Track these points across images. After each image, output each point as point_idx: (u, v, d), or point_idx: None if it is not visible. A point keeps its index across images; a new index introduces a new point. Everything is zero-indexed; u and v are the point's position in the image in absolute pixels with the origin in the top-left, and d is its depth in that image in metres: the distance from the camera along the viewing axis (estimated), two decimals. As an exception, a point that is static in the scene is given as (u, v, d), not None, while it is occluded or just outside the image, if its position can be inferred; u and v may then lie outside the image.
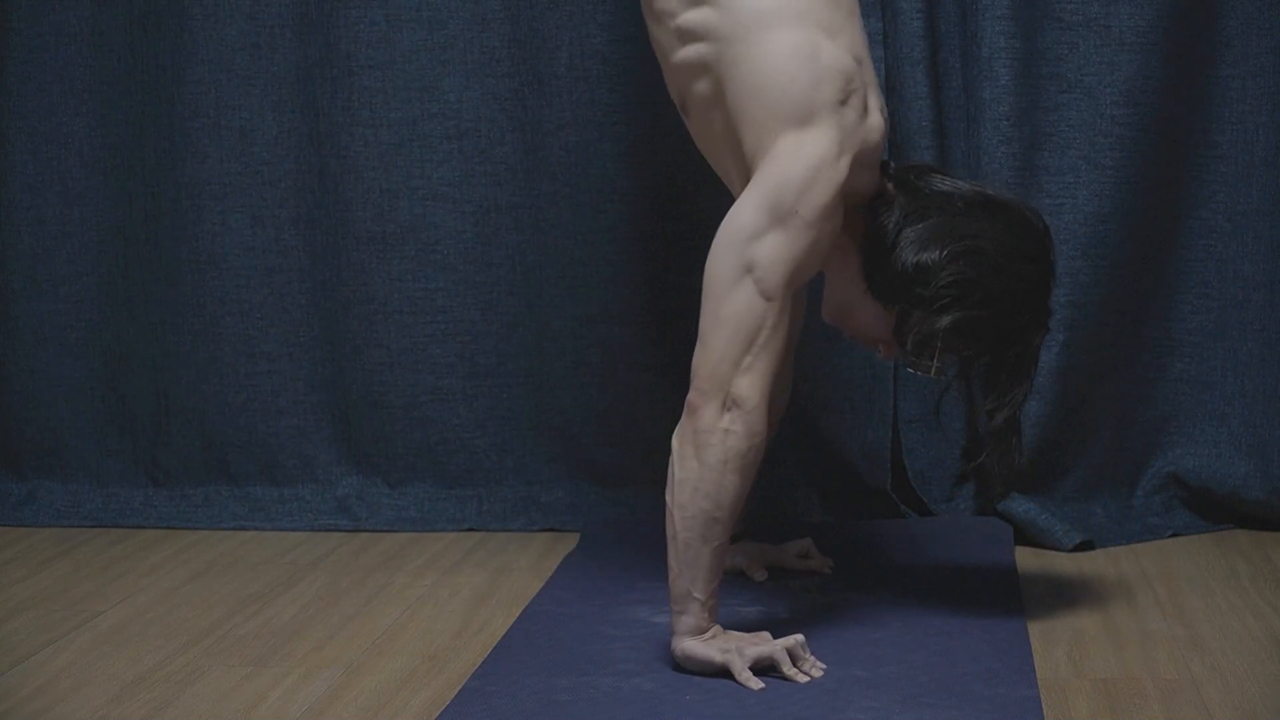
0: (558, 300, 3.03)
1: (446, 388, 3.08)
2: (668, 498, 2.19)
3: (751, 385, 2.18)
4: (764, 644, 2.18)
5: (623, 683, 2.16)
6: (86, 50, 3.10)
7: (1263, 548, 2.79)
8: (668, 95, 2.48)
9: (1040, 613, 2.45)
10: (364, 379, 3.09)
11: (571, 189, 3.00)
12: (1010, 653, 2.25)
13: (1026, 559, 2.74)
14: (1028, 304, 2.28)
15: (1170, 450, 2.97)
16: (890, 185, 2.33)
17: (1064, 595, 2.55)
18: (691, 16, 2.32)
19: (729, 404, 2.17)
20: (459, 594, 2.62)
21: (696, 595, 2.19)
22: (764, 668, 2.17)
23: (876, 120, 2.32)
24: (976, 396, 2.31)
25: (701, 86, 2.33)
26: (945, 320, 2.23)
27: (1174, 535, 2.88)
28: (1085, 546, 2.80)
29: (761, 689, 2.13)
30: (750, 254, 2.19)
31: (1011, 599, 2.50)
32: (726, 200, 2.32)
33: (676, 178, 2.95)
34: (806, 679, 2.16)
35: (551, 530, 3.00)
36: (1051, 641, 2.32)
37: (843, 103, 2.25)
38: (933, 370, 2.28)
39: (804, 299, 2.67)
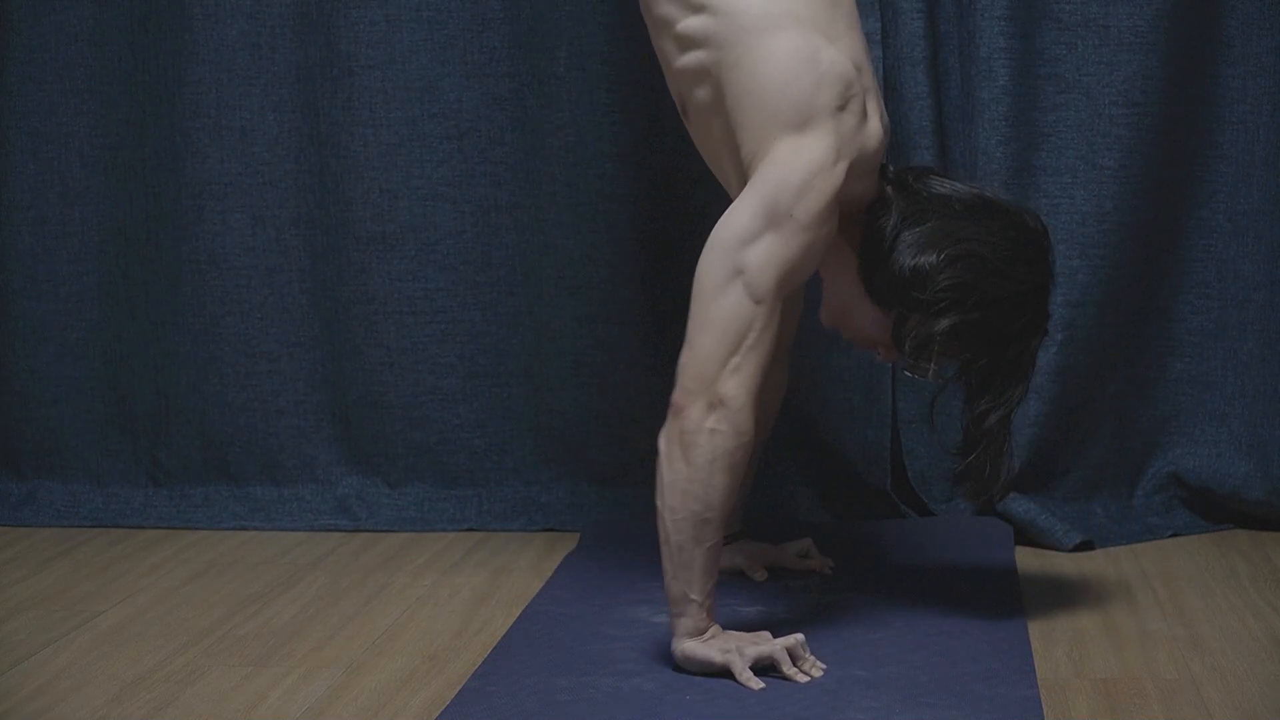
0: (558, 300, 3.03)
1: (446, 388, 3.08)
2: (658, 501, 2.19)
3: (738, 385, 2.17)
4: (764, 644, 2.18)
5: (623, 683, 2.17)
6: (86, 50, 3.10)
7: (1263, 548, 2.79)
8: (668, 95, 2.49)
9: (1040, 613, 2.45)
10: (364, 379, 3.09)
11: (571, 189, 3.00)
12: (1010, 653, 2.25)
13: (1026, 559, 2.74)
14: (1025, 307, 2.27)
15: (1170, 450, 2.97)
16: (889, 188, 2.32)
17: (1064, 595, 2.55)
18: (691, 23, 2.32)
19: (714, 404, 2.16)
20: (459, 594, 2.62)
21: (693, 597, 2.18)
22: (764, 667, 2.17)
23: (875, 127, 2.31)
24: (971, 398, 2.30)
25: (702, 93, 2.33)
26: (943, 324, 2.23)
27: (1174, 535, 2.88)
28: (1085, 546, 2.80)
29: (762, 689, 2.13)
30: (742, 257, 2.18)
31: (1011, 599, 2.50)
32: (724, 200, 2.32)
33: (676, 178, 2.95)
34: (807, 679, 2.16)
35: (551, 530, 3.00)
36: (1051, 641, 2.32)
37: (841, 108, 2.25)
38: (930, 373, 2.28)
39: (801, 301, 2.67)
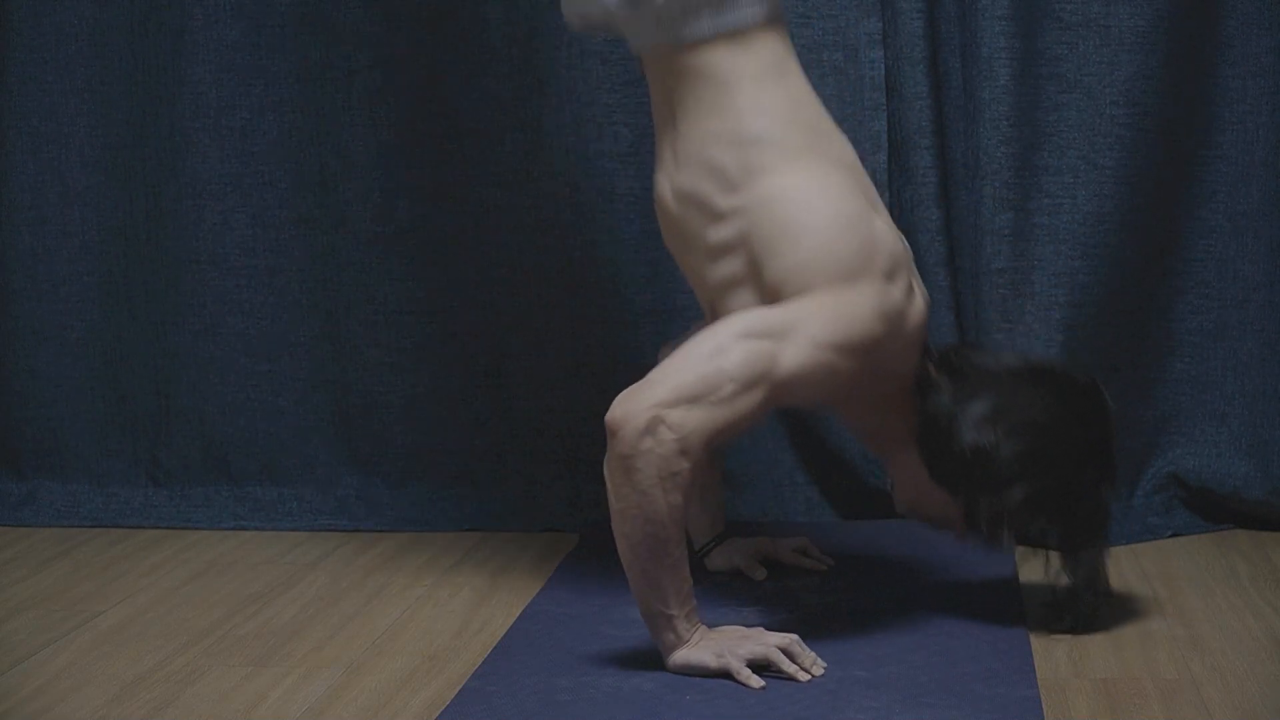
0: (558, 300, 3.03)
1: (446, 388, 3.08)
2: (614, 528, 2.17)
3: (684, 419, 2.11)
4: (756, 643, 2.17)
5: (623, 683, 2.17)
6: (87, 50, 3.11)
7: (1263, 548, 2.79)
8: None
9: (1040, 613, 2.45)
10: (364, 379, 3.10)
11: (571, 189, 3.00)
12: (1010, 653, 2.25)
13: (1027, 559, 2.74)
14: (1090, 463, 2.28)
15: (1170, 450, 2.97)
16: (932, 368, 2.32)
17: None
18: (721, 231, 2.29)
19: (652, 425, 2.11)
20: (459, 594, 2.62)
21: (670, 612, 2.17)
22: (764, 667, 2.17)
23: (921, 303, 2.31)
24: (1056, 558, 2.32)
25: (740, 299, 2.29)
26: (1014, 497, 2.24)
27: (1174, 535, 2.88)
28: (1085, 546, 2.80)
29: (762, 687, 2.13)
30: (739, 343, 2.15)
31: (1011, 599, 2.50)
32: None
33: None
34: (808, 676, 2.15)
35: (551, 530, 3.00)
36: (1051, 641, 2.32)
37: (890, 277, 2.24)
38: (1007, 544, 2.30)
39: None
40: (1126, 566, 2.70)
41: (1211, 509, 2.93)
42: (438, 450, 3.09)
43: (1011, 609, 2.44)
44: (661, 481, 2.12)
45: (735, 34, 2.27)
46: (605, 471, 2.16)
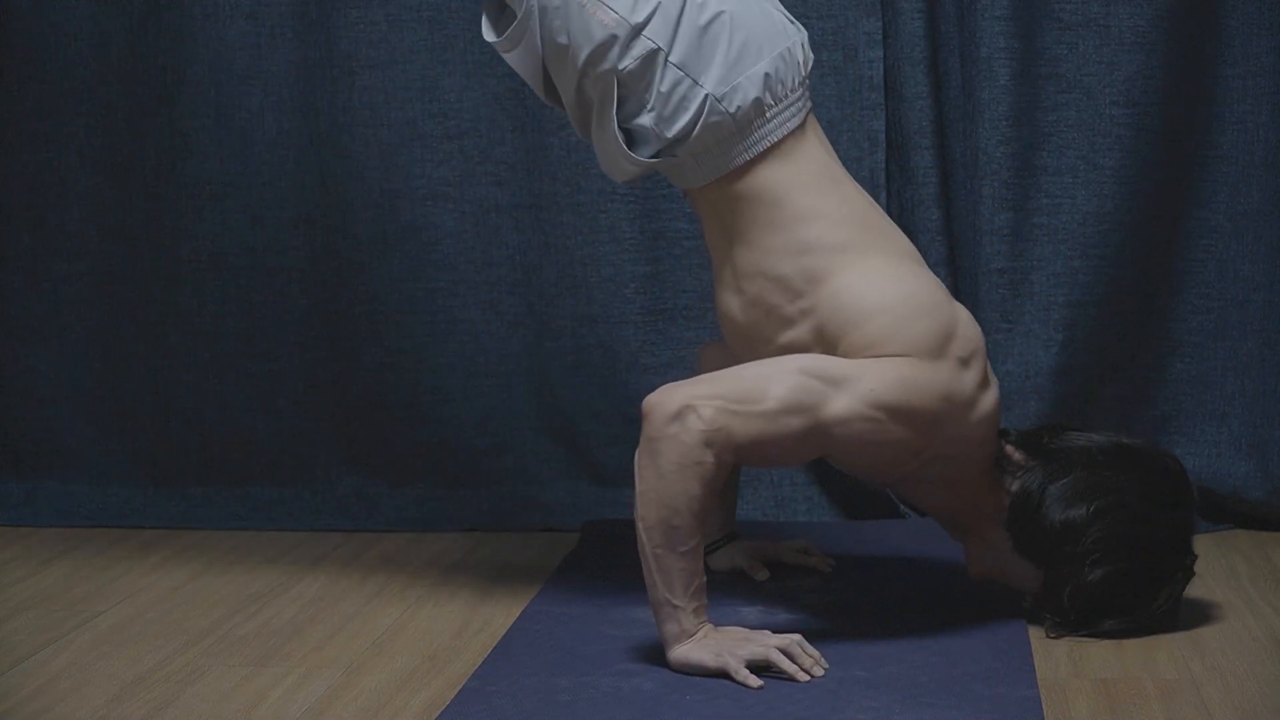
0: (558, 300, 3.03)
1: (446, 388, 3.08)
2: (635, 512, 2.18)
3: (718, 416, 2.14)
4: (756, 643, 2.18)
5: (623, 683, 2.16)
6: (86, 50, 3.10)
7: (1263, 548, 2.79)
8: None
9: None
10: (364, 379, 3.09)
11: (571, 189, 3.00)
12: (1010, 653, 2.25)
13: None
14: (1173, 550, 2.31)
15: (1170, 450, 2.96)
16: (1012, 450, 2.34)
17: (1064, 595, 2.54)
18: (792, 333, 2.29)
19: (681, 413, 2.14)
20: (459, 594, 2.62)
21: (676, 602, 2.18)
22: (764, 667, 2.17)
23: (995, 392, 2.30)
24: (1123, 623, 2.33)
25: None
26: (1096, 574, 2.27)
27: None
28: (1085, 546, 2.80)
29: (761, 687, 2.13)
30: (794, 377, 2.17)
31: (1012, 599, 2.49)
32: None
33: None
34: (808, 677, 2.16)
35: (551, 530, 3.00)
36: (1051, 642, 2.32)
37: (965, 364, 2.25)
38: (1082, 631, 2.31)
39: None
40: (1126, 566, 2.70)
41: (1211, 509, 2.93)
42: (438, 450, 3.09)
43: (1011, 609, 2.44)
44: (682, 469, 2.13)
45: (772, 151, 2.28)
46: (635, 454, 2.19)
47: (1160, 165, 2.89)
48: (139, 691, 2.20)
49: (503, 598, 2.59)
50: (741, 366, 2.23)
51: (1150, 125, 2.87)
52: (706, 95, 2.25)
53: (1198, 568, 2.68)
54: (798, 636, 2.19)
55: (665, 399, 2.16)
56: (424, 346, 3.07)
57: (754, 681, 2.14)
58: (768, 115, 2.28)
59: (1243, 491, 2.90)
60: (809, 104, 2.34)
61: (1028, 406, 2.88)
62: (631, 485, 2.99)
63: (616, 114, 2.29)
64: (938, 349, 2.23)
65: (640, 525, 2.17)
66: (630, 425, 3.00)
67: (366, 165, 3.05)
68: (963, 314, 2.30)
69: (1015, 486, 2.32)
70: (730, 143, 2.28)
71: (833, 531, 2.86)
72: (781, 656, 2.16)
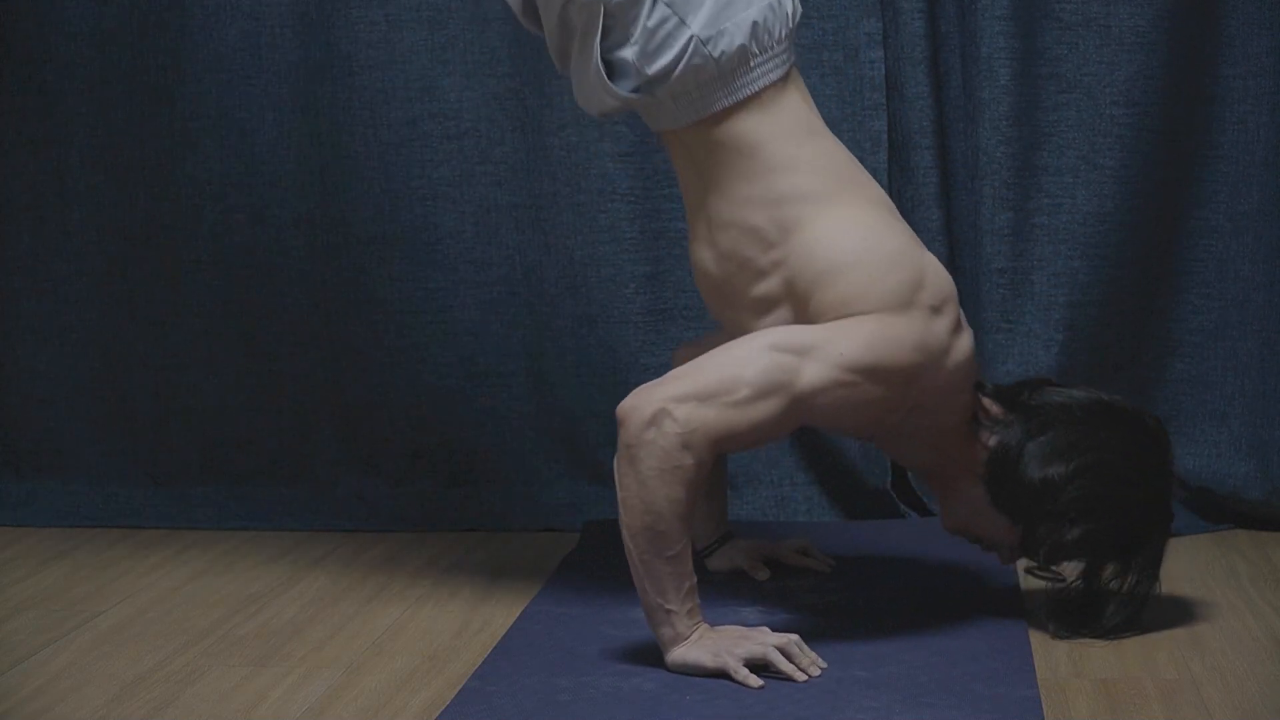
0: (558, 300, 3.03)
1: (446, 388, 3.08)
2: (619, 519, 2.17)
3: (692, 415, 2.12)
4: (754, 642, 2.17)
5: (623, 683, 2.17)
6: (86, 50, 3.10)
7: (1263, 548, 2.79)
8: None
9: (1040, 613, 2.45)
10: (364, 379, 3.09)
11: (571, 189, 3.00)
12: (1010, 653, 2.25)
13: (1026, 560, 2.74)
14: (1153, 510, 2.31)
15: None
16: (989, 403, 2.32)
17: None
18: (765, 285, 2.29)
19: (657, 418, 2.12)
20: (459, 594, 2.62)
21: (669, 607, 2.17)
22: (763, 666, 2.17)
23: (968, 340, 2.30)
24: (1101, 600, 2.33)
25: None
26: (1074, 532, 2.26)
27: (1174, 535, 2.87)
28: (1085, 547, 2.80)
29: (761, 687, 2.13)
30: (765, 354, 2.16)
31: (1011, 599, 2.50)
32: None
33: (676, 178, 2.95)
34: (805, 677, 2.15)
35: (551, 530, 3.00)
36: (1051, 642, 2.32)
37: (936, 311, 2.24)
38: (1057, 578, 2.32)
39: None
40: (1126, 566, 2.70)
41: (1211, 509, 2.93)
42: (438, 450, 3.09)
43: (1011, 609, 2.44)
44: (662, 473, 2.12)
45: (753, 100, 2.27)
46: (614, 461, 2.17)
47: (1160, 165, 2.89)
48: (139, 691, 2.21)
49: (503, 598, 2.59)
50: (711, 355, 2.19)
51: (1150, 125, 2.87)
52: (692, 36, 2.23)
53: (1198, 567, 2.68)
54: (795, 636, 2.19)
55: (639, 404, 2.14)
56: (424, 346, 3.07)
57: (754, 681, 2.13)
58: (751, 64, 2.25)
59: (1243, 491, 2.90)
60: (793, 56, 2.32)
61: (1028, 406, 2.88)
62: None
63: (599, 44, 2.26)
64: (907, 299, 2.21)
65: (625, 533, 2.16)
66: (630, 425, 3.01)
67: (366, 165, 3.05)
68: (931, 262, 2.28)
69: (993, 441, 2.31)
70: (710, 87, 2.26)
71: (832, 531, 2.86)
72: (779, 656, 2.16)
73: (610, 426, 3.00)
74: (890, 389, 2.21)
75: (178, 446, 3.15)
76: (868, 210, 2.29)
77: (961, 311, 2.32)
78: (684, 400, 2.13)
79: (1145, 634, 2.35)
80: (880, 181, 2.90)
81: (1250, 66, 2.87)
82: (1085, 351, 2.90)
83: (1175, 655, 2.27)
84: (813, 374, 2.16)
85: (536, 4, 2.33)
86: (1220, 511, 2.92)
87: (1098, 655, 2.27)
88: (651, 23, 2.23)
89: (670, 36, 2.23)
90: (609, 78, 2.27)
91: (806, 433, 3.00)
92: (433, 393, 3.08)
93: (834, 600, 2.50)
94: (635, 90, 2.28)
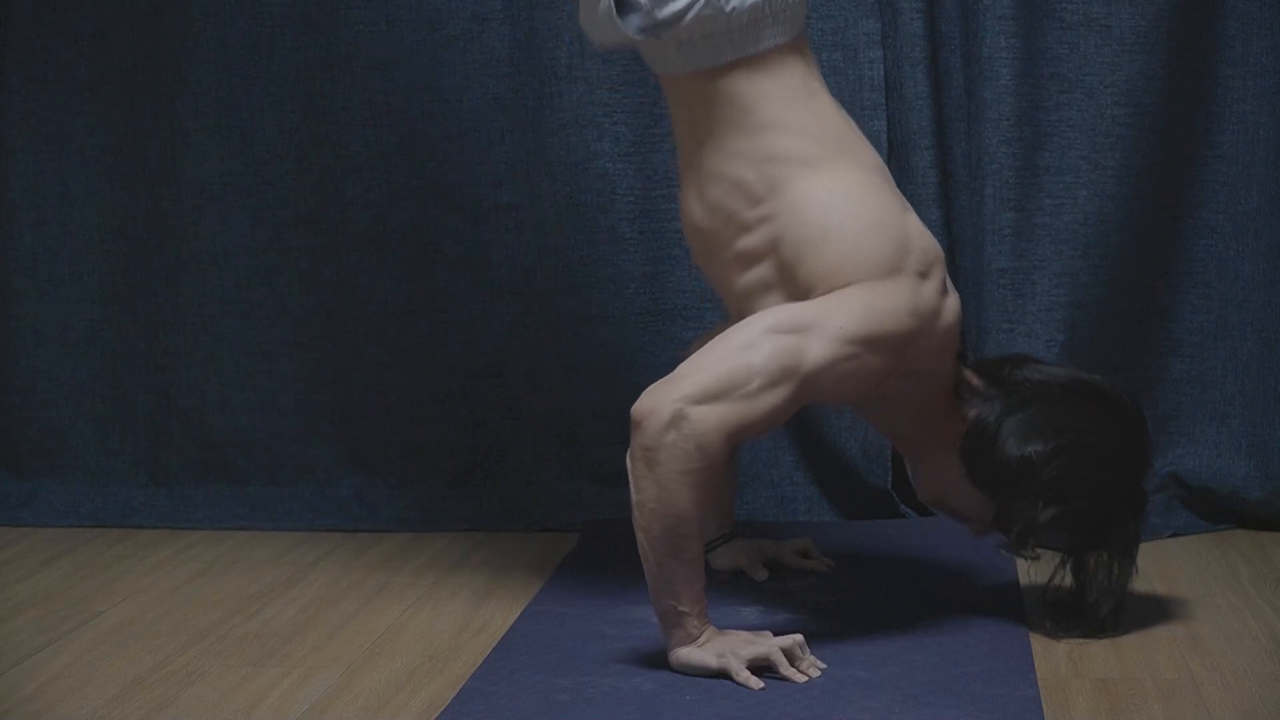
0: (558, 300, 3.03)
1: (446, 388, 3.08)
2: (633, 521, 2.17)
3: (707, 416, 2.12)
4: (760, 644, 2.18)
5: (623, 683, 2.17)
6: (87, 50, 3.11)
7: (1263, 548, 2.79)
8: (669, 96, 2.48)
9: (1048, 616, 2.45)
10: (364, 379, 3.09)
11: (571, 189, 3.00)
12: (1010, 653, 2.25)
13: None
14: (1128, 492, 2.30)
15: (1170, 450, 2.97)
16: (971, 375, 2.32)
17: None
18: (749, 240, 2.29)
19: (675, 420, 2.12)
20: (459, 594, 2.62)
21: (682, 609, 2.17)
22: (763, 667, 2.17)
23: (955, 302, 2.30)
24: (1080, 584, 2.33)
25: (769, 300, 2.29)
26: (1048, 513, 2.25)
27: (1174, 535, 2.88)
28: (1085, 547, 2.80)
29: (762, 688, 2.13)
30: (766, 338, 2.16)
31: (1011, 599, 2.50)
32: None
33: (676, 178, 2.95)
34: (805, 679, 2.16)
35: (551, 530, 3.00)
36: (1051, 642, 2.32)
37: (924, 275, 2.24)
38: (1030, 554, 2.30)
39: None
40: (1127, 566, 2.70)
41: (1211, 509, 2.93)
42: (438, 450, 3.09)
43: (1011, 609, 2.44)
44: (683, 476, 2.12)
45: (756, 59, 2.27)
46: (628, 463, 2.17)
47: (1161, 165, 2.89)
48: (139, 691, 2.21)
49: (503, 598, 2.59)
50: (713, 347, 2.18)
51: (1151, 125, 2.87)
52: None
53: (1198, 567, 2.68)
54: (799, 637, 2.19)
55: (656, 406, 2.13)
56: (424, 346, 3.07)
57: (755, 683, 2.13)
58: (761, 23, 2.25)
59: (1243, 491, 2.90)
60: (804, 26, 2.32)
61: (1028, 406, 2.88)
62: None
63: None
64: (894, 265, 2.21)
65: (643, 536, 2.16)
66: (630, 425, 3.01)
67: (366, 165, 3.05)
68: (916, 226, 2.28)
69: (972, 414, 2.30)
70: (717, 40, 2.26)
71: (833, 531, 2.86)
72: (782, 657, 2.16)
73: (610, 426, 3.02)
74: (888, 356, 2.21)
75: (178, 446, 3.15)
76: (857, 175, 2.28)
77: (947, 275, 2.32)
78: (699, 400, 2.13)
79: (1145, 634, 2.36)
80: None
81: (1250, 66, 2.87)
82: (1086, 352, 2.90)
83: (1175, 655, 2.27)
84: (817, 352, 2.16)
85: None
86: (1220, 511, 2.92)
87: (1098, 655, 2.27)
88: None
89: None
90: (618, 12, 2.27)
91: (806, 432, 3.00)
92: (433, 393, 3.08)
93: (834, 600, 2.50)
94: (641, 30, 2.27)
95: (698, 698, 2.11)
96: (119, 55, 3.10)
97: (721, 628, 2.23)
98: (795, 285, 2.25)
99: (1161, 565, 2.70)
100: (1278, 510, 2.89)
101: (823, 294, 2.21)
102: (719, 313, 2.75)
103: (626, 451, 2.17)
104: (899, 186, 2.92)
